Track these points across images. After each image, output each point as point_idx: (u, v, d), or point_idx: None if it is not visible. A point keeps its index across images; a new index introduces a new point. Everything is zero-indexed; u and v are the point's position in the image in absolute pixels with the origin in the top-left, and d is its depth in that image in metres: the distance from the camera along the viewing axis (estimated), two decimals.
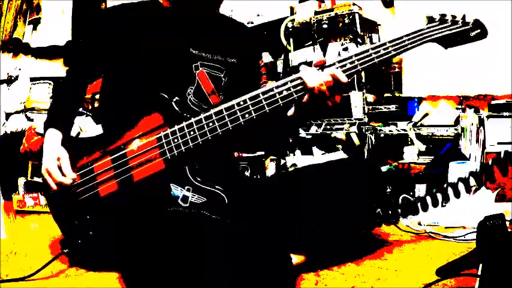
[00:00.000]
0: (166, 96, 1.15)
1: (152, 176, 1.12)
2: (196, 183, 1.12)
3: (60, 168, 1.17)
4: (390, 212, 0.84)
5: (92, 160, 1.17)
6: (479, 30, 1.15)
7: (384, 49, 1.11)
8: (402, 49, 1.12)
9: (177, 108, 1.15)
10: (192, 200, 1.11)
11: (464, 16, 1.17)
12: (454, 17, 1.18)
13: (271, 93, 1.11)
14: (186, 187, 1.12)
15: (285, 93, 1.10)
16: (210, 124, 1.11)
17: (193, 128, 1.12)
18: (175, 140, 1.12)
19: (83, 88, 1.35)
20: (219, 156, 1.26)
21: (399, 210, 0.85)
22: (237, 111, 1.11)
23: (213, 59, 1.25)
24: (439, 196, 1.04)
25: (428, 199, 0.89)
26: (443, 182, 1.86)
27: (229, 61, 1.27)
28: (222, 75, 1.25)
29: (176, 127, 1.13)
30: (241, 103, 1.11)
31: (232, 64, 1.28)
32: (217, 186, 1.13)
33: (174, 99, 1.15)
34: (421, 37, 1.14)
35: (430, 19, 1.18)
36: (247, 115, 1.10)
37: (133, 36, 1.20)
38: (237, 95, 1.16)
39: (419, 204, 0.83)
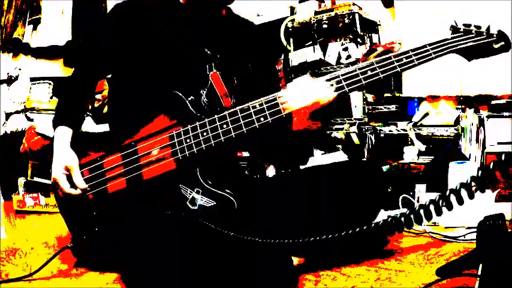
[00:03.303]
0: (181, 94, 1.13)
1: (162, 176, 1.10)
2: (206, 185, 1.10)
3: (69, 178, 1.14)
4: (394, 222, 0.84)
5: (102, 156, 1.15)
6: (503, 43, 1.13)
7: (406, 57, 1.11)
8: (425, 59, 1.11)
9: (191, 107, 1.13)
10: (201, 202, 1.09)
11: (488, 27, 1.14)
12: (478, 27, 1.15)
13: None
14: (196, 189, 1.10)
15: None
16: (224, 126, 1.09)
17: (207, 128, 1.10)
18: (188, 140, 1.10)
19: (93, 84, 1.32)
20: (230, 158, 1.26)
21: (403, 220, 0.84)
22: (252, 114, 1.09)
23: (227, 60, 1.23)
24: (442, 204, 1.04)
25: (432, 208, 0.88)
26: (443, 185, 1.86)
27: (243, 63, 1.27)
28: (234, 77, 1.24)
29: (189, 126, 1.11)
30: (257, 106, 1.09)
31: (246, 66, 1.27)
32: (227, 190, 1.10)
33: (189, 99, 1.13)
34: (445, 47, 1.12)
35: (454, 29, 1.16)
36: (262, 119, 1.08)
37: (149, 35, 1.19)
38: (250, 98, 1.15)
39: (422, 213, 0.83)
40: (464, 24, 1.15)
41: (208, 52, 1.21)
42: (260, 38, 1.38)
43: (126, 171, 1.12)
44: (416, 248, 1.38)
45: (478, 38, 1.13)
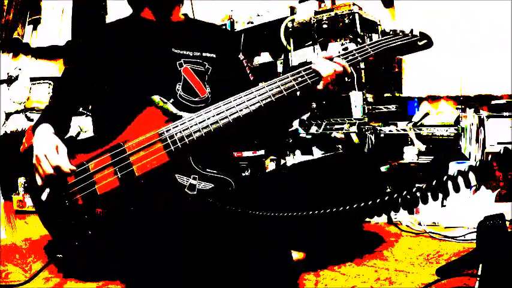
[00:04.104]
0: (162, 98, 1.19)
1: (156, 169, 1.12)
2: (201, 171, 1.14)
3: (58, 154, 1.12)
4: (390, 201, 0.84)
5: (88, 159, 1.14)
6: (426, 41, 1.34)
7: (352, 55, 1.26)
8: (365, 56, 1.26)
9: (174, 109, 1.18)
10: (199, 187, 1.13)
11: (412, 30, 1.36)
12: (403, 31, 1.36)
13: (263, 90, 1.18)
14: (192, 176, 1.14)
15: (275, 90, 1.18)
16: (211, 118, 1.15)
17: (195, 121, 1.16)
18: (178, 134, 1.14)
19: (84, 83, 1.35)
20: (223, 147, 1.29)
21: (399, 199, 0.85)
22: (235, 106, 1.16)
23: (194, 55, 1.34)
24: (438, 189, 1.04)
25: (428, 192, 0.89)
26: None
27: (208, 56, 1.37)
28: (204, 69, 1.34)
29: (177, 122, 1.16)
30: (238, 100, 1.18)
31: (212, 58, 1.37)
32: (223, 173, 1.15)
33: (171, 101, 1.20)
34: (379, 45, 1.29)
35: (383, 33, 1.37)
36: (243, 109, 1.16)
37: (125, 47, 1.30)
38: (221, 86, 1.32)
39: (418, 195, 0.83)
40: (391, 30, 1.37)
41: (176, 51, 1.32)
42: (220, 34, 1.49)
43: (117, 169, 1.12)
44: (416, 248, 1.38)
45: (405, 38, 1.33)
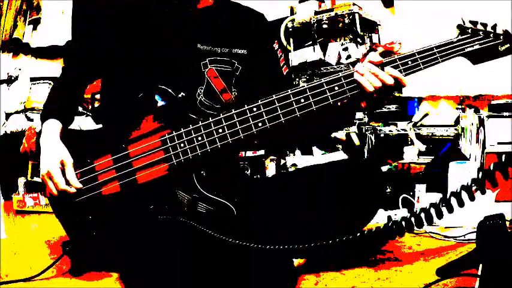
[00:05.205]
0: (171, 91, 1.08)
1: (157, 180, 1.07)
2: (203, 191, 1.06)
3: (63, 173, 1.09)
4: (394, 226, 0.84)
5: (93, 158, 1.11)
6: (508, 45, 1.05)
7: (412, 61, 1.04)
8: (431, 63, 1.05)
9: (182, 104, 1.09)
10: (199, 208, 1.07)
11: (495, 26, 1.06)
12: (484, 25, 1.07)
13: (287, 101, 1.03)
14: (193, 195, 1.07)
15: (302, 101, 1.02)
16: (220, 131, 1.04)
17: (202, 133, 1.05)
18: (182, 145, 1.05)
19: (84, 82, 1.28)
20: (229, 163, 1.21)
21: (404, 224, 0.84)
22: (249, 118, 1.03)
23: (222, 52, 1.17)
24: (444, 208, 1.04)
25: (433, 211, 0.88)
26: (443, 185, 1.85)
27: (239, 53, 1.20)
28: (231, 69, 1.18)
29: (182, 130, 1.06)
30: (254, 109, 1.03)
31: (242, 56, 1.20)
32: (225, 197, 1.07)
33: (179, 95, 1.08)
34: (452, 50, 1.05)
35: (462, 30, 1.07)
36: (260, 124, 1.03)
37: (138, 37, 1.16)
38: (252, 87, 1.14)
39: (423, 217, 0.83)
40: (471, 22, 1.07)
41: (201, 48, 1.16)
42: (253, 20, 1.29)
43: (120, 175, 1.08)
44: (416, 248, 1.38)
45: (485, 40, 1.06)
